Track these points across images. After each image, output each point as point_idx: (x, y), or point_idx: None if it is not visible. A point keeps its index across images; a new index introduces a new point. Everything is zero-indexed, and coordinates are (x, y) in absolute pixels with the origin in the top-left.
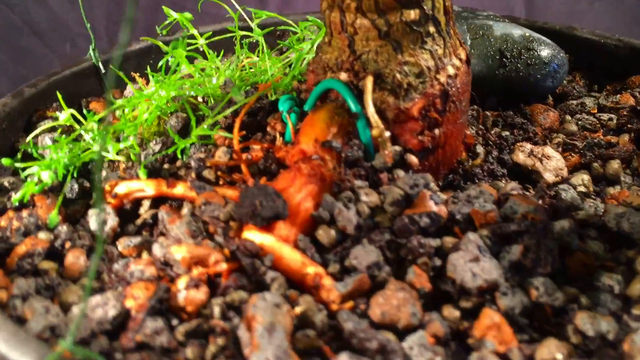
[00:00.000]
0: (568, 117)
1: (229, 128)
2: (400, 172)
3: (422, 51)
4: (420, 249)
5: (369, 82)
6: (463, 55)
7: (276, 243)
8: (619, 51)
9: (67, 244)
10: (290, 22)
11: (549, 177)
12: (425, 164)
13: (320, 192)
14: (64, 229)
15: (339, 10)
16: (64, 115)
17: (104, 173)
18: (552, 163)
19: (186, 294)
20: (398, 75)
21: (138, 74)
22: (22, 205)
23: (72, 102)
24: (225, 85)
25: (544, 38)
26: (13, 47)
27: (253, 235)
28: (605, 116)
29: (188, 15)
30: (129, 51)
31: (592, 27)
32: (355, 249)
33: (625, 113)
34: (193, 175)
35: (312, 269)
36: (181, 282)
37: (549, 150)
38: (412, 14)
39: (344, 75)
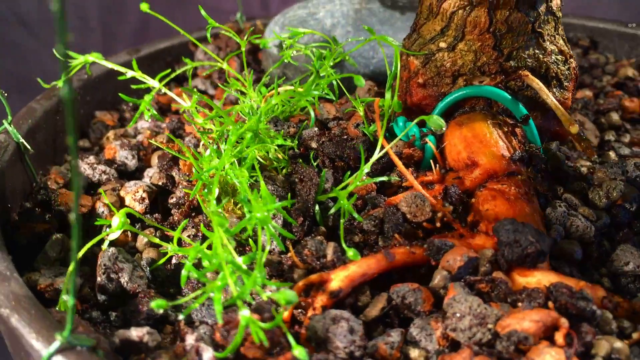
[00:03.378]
0: None
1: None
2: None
3: (558, 37)
4: None
5: (533, 78)
6: None
7: (573, 280)
8: None
9: None
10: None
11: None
12: None
13: (537, 209)
14: None
15: (486, 8)
16: (117, 220)
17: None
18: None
19: None
20: (552, 67)
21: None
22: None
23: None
24: (276, 124)
25: None
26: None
27: (534, 278)
28: None
29: (96, 55)
30: None
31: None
32: (620, 255)
33: None
34: (397, 236)
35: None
36: None
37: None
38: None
39: (486, 79)
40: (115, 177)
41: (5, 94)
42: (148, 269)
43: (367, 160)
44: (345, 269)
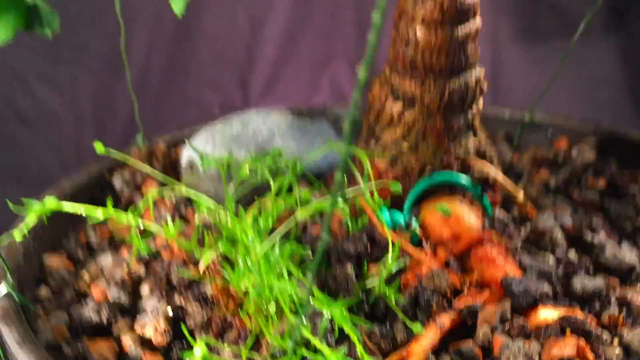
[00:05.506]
0: None
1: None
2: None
3: (481, 126)
4: None
5: (484, 162)
6: None
7: (565, 309)
8: None
9: None
10: None
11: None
12: None
13: (514, 262)
14: None
15: (441, 115)
16: (199, 351)
17: None
18: None
19: None
20: (487, 151)
21: None
22: None
23: None
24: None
25: None
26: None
27: (541, 315)
28: None
29: (52, 199)
30: None
31: (554, 109)
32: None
33: None
34: (434, 307)
35: None
36: None
37: None
38: None
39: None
40: (120, 316)
41: None
42: None
43: (380, 252)
44: (417, 342)
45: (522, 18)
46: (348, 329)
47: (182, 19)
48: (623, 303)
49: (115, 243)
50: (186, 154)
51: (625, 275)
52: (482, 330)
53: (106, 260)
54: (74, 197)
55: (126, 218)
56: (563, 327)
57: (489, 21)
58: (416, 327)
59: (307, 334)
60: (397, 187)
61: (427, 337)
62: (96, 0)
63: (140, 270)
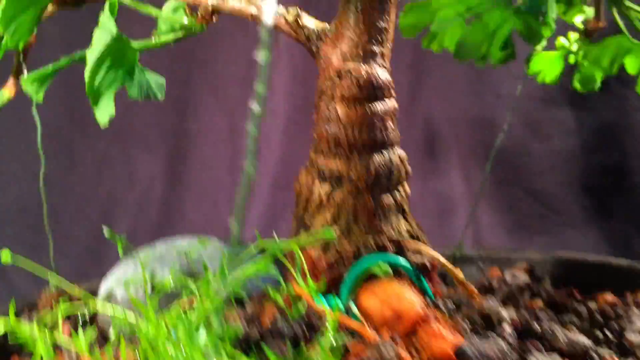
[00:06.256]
0: None
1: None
2: None
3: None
4: None
5: (420, 244)
6: None
7: None
8: None
9: None
10: None
11: None
12: None
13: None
14: None
15: (369, 194)
16: None
17: None
18: None
19: None
20: (420, 235)
21: None
22: None
23: None
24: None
25: None
26: None
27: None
28: None
29: None
30: None
31: None
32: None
33: None
34: None
35: None
36: None
37: None
38: None
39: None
40: None
41: None
42: None
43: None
44: None
45: (500, 201)
46: None
47: (165, 205)
48: None
49: None
50: (104, 286)
51: (580, 357)
52: None
53: None
54: None
55: (30, 330)
56: None
57: (469, 206)
58: None
59: None
60: (330, 234)
61: None
62: (80, 190)
63: None
